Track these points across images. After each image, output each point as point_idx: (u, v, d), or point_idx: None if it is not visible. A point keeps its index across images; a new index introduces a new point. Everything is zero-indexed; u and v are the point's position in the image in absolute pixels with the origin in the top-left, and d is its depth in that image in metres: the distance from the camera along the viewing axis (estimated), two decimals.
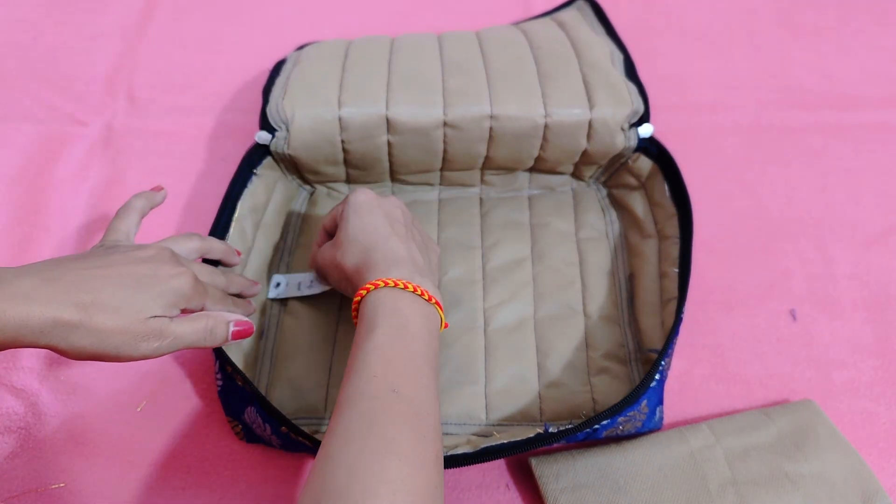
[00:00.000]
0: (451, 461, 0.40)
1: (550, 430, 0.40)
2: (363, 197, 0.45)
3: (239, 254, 0.48)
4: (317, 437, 0.41)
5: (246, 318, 0.41)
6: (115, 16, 0.71)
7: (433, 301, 0.40)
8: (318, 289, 0.50)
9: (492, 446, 0.40)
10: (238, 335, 0.40)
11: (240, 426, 0.45)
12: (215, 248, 0.46)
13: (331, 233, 0.48)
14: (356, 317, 0.41)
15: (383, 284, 0.39)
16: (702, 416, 0.47)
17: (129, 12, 0.71)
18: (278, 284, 0.51)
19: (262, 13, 0.72)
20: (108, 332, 0.35)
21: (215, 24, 0.71)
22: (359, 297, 0.40)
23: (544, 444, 0.40)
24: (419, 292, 0.39)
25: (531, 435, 0.40)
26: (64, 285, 0.34)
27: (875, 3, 0.70)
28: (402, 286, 0.39)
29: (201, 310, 0.40)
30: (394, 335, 0.37)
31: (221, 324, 0.39)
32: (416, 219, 0.48)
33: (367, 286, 0.40)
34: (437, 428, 0.34)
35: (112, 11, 0.72)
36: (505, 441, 0.40)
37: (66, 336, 0.34)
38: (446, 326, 0.42)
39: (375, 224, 0.43)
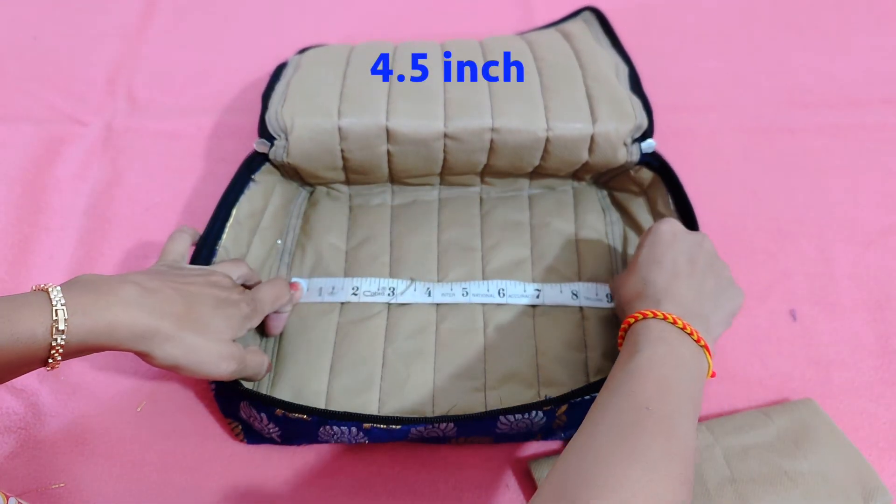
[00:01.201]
0: (462, 420, 0.42)
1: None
2: (665, 227, 0.45)
3: (295, 287, 0.50)
4: (315, 408, 0.41)
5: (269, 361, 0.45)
6: (115, 16, 0.71)
7: (702, 343, 0.38)
8: (339, 297, 0.50)
9: (495, 410, 0.42)
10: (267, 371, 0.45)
11: (239, 426, 0.45)
12: (251, 273, 0.48)
13: None
14: (621, 344, 0.41)
15: (652, 315, 0.39)
16: (702, 416, 0.47)
17: (129, 12, 0.71)
18: None
19: (262, 14, 0.72)
20: (198, 347, 0.38)
21: (215, 24, 0.71)
22: (626, 325, 0.40)
23: (545, 407, 0.42)
24: (688, 330, 0.38)
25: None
26: (164, 297, 0.37)
27: (875, 3, 0.70)
28: (672, 321, 0.38)
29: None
30: (657, 361, 0.36)
31: (266, 363, 0.44)
32: (721, 264, 0.45)
33: (637, 315, 0.40)
34: (688, 454, 0.33)
35: (112, 11, 0.72)
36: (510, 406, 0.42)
37: (161, 344, 0.36)
38: (713, 376, 0.40)
39: (665, 258, 0.43)
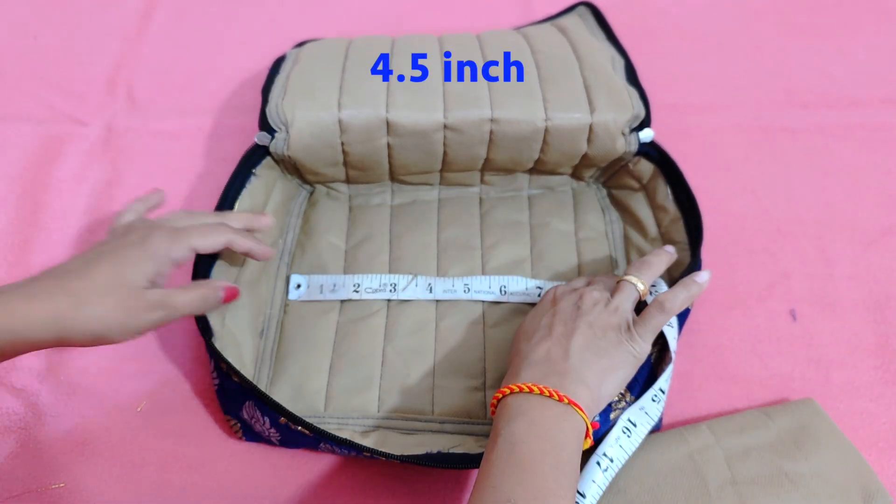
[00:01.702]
0: (453, 460, 0.40)
1: None
2: (549, 294, 0.46)
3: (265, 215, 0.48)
4: (316, 427, 0.41)
5: (232, 284, 0.43)
6: (115, 16, 0.71)
7: (565, 401, 0.36)
8: (341, 294, 0.51)
9: None
10: (227, 297, 0.42)
11: (238, 424, 0.45)
12: (199, 214, 0.45)
13: None
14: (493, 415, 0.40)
15: (508, 391, 0.38)
16: (702, 416, 0.47)
17: (129, 12, 0.71)
18: (298, 286, 0.51)
19: (262, 13, 0.72)
20: (107, 313, 0.36)
21: (215, 24, 0.71)
22: (492, 408, 0.39)
23: None
24: (547, 393, 0.37)
25: None
26: (54, 278, 0.36)
27: (875, 3, 0.70)
28: (528, 389, 0.37)
29: (194, 259, 0.42)
30: (516, 441, 0.35)
31: (212, 290, 0.41)
32: (611, 312, 0.42)
33: (497, 394, 0.39)
34: None
35: (112, 11, 0.72)
36: None
37: (70, 325, 0.35)
38: (595, 427, 0.39)
39: (539, 325, 0.43)
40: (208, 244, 0.42)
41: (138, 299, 0.37)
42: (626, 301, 0.43)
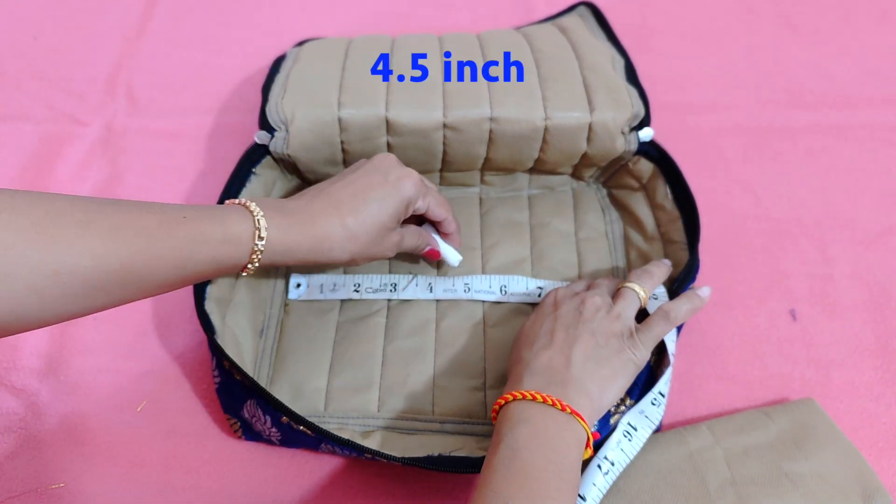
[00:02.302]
0: (453, 463, 0.40)
1: None
2: (550, 298, 0.46)
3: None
4: (317, 426, 0.41)
5: (437, 247, 0.49)
6: (115, 16, 0.71)
7: (568, 410, 0.37)
8: (341, 294, 0.51)
9: None
10: (429, 254, 0.49)
11: (238, 423, 0.45)
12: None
13: None
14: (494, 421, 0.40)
15: (511, 398, 0.38)
16: (701, 416, 0.47)
17: (129, 12, 0.71)
18: (298, 285, 0.51)
19: (261, 13, 0.72)
20: (364, 247, 0.42)
21: (215, 24, 0.71)
22: (493, 413, 0.40)
23: None
24: (550, 402, 0.37)
25: None
26: (332, 207, 0.42)
27: (875, 3, 0.70)
28: (531, 397, 0.38)
29: (426, 212, 0.47)
30: (519, 448, 0.35)
31: (424, 244, 0.48)
32: (613, 318, 0.42)
33: (500, 400, 0.39)
34: None
35: (112, 11, 0.72)
36: None
37: (333, 253, 0.41)
38: (596, 437, 0.40)
39: (540, 330, 0.43)
40: (437, 212, 0.47)
41: (387, 239, 0.44)
42: (628, 308, 0.43)
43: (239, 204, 0.39)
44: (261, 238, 0.38)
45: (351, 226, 0.41)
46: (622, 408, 0.42)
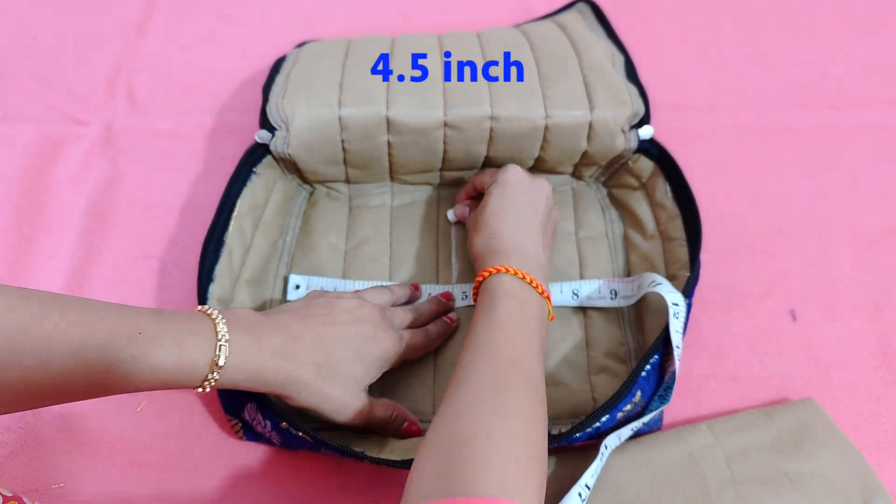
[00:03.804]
0: None
1: (552, 431, 0.40)
2: (511, 176, 0.49)
3: (416, 287, 0.51)
4: (317, 434, 0.41)
5: (416, 421, 0.45)
6: (115, 16, 0.71)
7: (545, 295, 0.43)
8: None
9: None
10: (406, 432, 0.44)
11: (239, 424, 0.45)
12: (398, 294, 0.49)
13: (471, 195, 0.53)
14: (476, 297, 0.44)
15: (504, 271, 0.42)
16: (701, 416, 0.47)
17: (129, 12, 0.71)
18: (297, 286, 0.51)
19: (261, 13, 0.72)
20: (331, 398, 0.40)
21: (215, 24, 0.71)
22: (481, 278, 0.43)
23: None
24: (534, 284, 0.42)
25: None
26: (307, 346, 0.39)
27: (875, 3, 0.70)
28: (521, 276, 0.42)
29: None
30: (512, 315, 0.40)
31: (400, 419, 0.44)
32: (555, 210, 0.51)
33: (490, 269, 0.43)
34: (544, 395, 0.38)
35: (112, 11, 0.72)
36: None
37: (299, 391, 0.39)
38: (552, 319, 0.45)
39: (512, 211, 0.47)
40: (419, 350, 0.46)
41: (355, 399, 0.41)
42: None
43: (207, 314, 0.36)
44: (218, 367, 0.35)
45: (323, 370, 0.39)
46: (628, 406, 0.42)
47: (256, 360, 0.37)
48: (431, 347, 0.48)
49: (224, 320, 0.36)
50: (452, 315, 0.50)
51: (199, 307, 0.38)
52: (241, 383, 0.37)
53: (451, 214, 0.55)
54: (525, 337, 0.40)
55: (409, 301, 0.50)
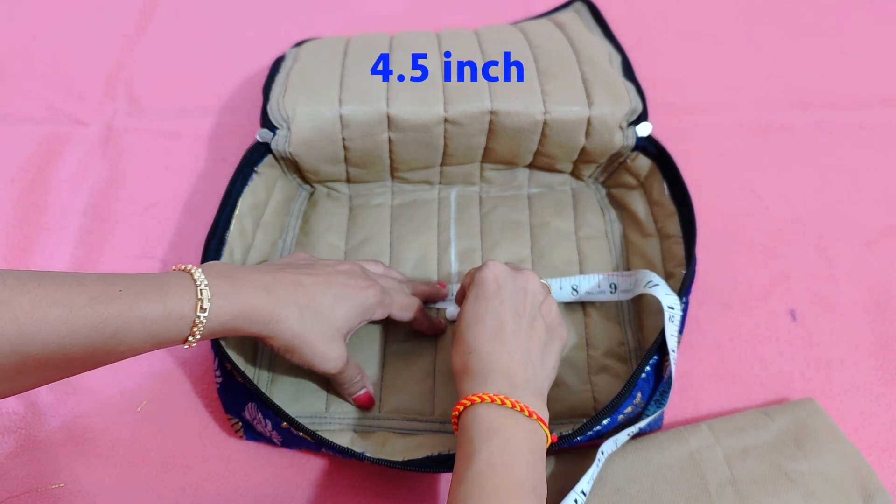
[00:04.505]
0: (450, 461, 0.40)
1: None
2: (488, 274, 0.42)
3: (443, 285, 0.51)
4: (318, 434, 0.41)
5: (370, 391, 0.46)
6: (115, 16, 0.71)
7: (534, 417, 0.37)
8: None
9: None
10: (358, 399, 0.46)
11: (239, 423, 0.45)
12: (394, 272, 0.49)
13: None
14: (456, 427, 0.38)
15: (481, 400, 0.37)
16: (701, 416, 0.47)
17: (129, 12, 0.71)
18: None
19: (261, 13, 0.72)
20: (313, 340, 0.40)
21: (215, 24, 0.71)
22: (456, 413, 0.38)
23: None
24: (519, 408, 0.36)
25: None
26: (289, 286, 0.39)
27: (875, 3, 0.70)
28: (500, 402, 0.36)
29: (392, 315, 0.45)
30: (494, 462, 0.34)
31: (360, 384, 0.45)
32: (550, 300, 0.43)
33: (464, 401, 0.37)
34: None
35: (112, 11, 0.72)
36: None
37: (283, 331, 0.38)
38: (554, 440, 0.39)
39: (487, 318, 0.40)
40: (402, 317, 0.46)
41: (332, 346, 0.41)
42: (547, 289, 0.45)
43: (182, 270, 0.36)
44: (203, 310, 0.35)
45: (305, 312, 0.39)
46: (629, 409, 0.42)
47: (238, 300, 0.37)
48: (419, 311, 0.46)
49: (199, 269, 0.36)
50: (444, 283, 0.51)
51: (173, 267, 0.38)
52: (227, 326, 0.36)
53: (449, 313, 0.50)
54: (509, 488, 0.34)
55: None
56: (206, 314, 0.35)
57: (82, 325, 0.31)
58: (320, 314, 0.40)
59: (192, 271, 0.36)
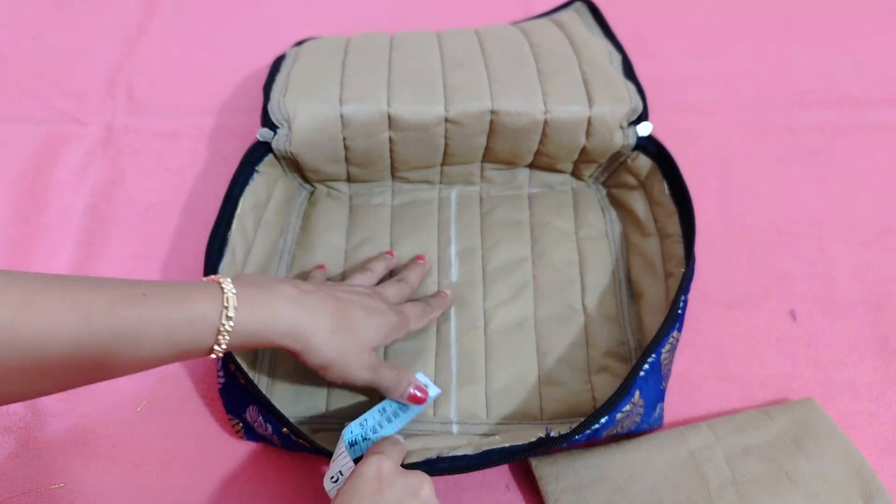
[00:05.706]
0: (452, 463, 0.40)
1: (552, 433, 0.40)
2: (369, 470, 0.35)
3: (391, 254, 0.52)
4: (317, 437, 0.41)
5: (424, 388, 0.44)
6: (115, 16, 0.71)
7: None
8: None
9: (492, 450, 0.40)
10: (412, 398, 0.43)
11: (240, 424, 0.45)
12: (378, 270, 0.50)
13: None
14: None
15: None
16: (702, 416, 0.47)
17: (129, 12, 0.72)
18: None
19: (261, 13, 0.72)
20: (347, 350, 0.39)
21: (215, 24, 0.71)
22: None
23: (544, 448, 0.40)
24: None
25: (532, 438, 0.40)
26: (319, 298, 0.38)
27: (875, 3, 0.70)
28: None
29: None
30: None
31: (405, 383, 0.43)
32: None
33: None
34: None
35: (112, 11, 0.72)
36: (506, 445, 0.40)
37: (316, 344, 0.37)
38: None
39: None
40: (419, 325, 0.47)
41: (366, 355, 0.40)
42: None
43: (211, 280, 0.35)
44: (228, 318, 0.34)
45: (338, 324, 0.38)
46: (628, 407, 0.42)
47: (267, 310, 0.35)
48: (433, 316, 0.48)
49: (229, 279, 0.36)
50: (446, 291, 0.51)
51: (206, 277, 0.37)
52: (256, 336, 0.35)
53: (328, 488, 0.39)
54: None
55: (391, 274, 0.51)
56: (231, 322, 0.34)
57: (103, 328, 0.30)
58: (353, 327, 0.39)
59: (221, 280, 0.35)
